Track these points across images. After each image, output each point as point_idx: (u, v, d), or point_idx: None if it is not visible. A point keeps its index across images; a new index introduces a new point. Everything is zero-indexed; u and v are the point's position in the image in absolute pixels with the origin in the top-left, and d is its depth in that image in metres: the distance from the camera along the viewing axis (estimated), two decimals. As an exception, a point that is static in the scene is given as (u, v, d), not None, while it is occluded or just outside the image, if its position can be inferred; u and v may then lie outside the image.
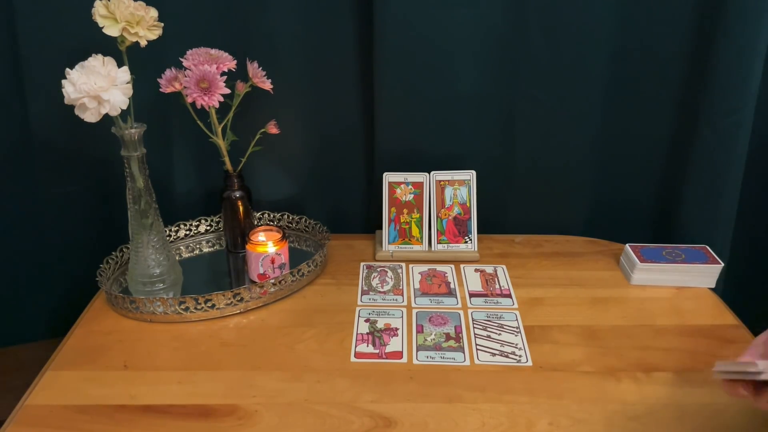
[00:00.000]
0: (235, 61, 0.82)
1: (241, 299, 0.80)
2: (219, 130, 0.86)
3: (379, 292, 0.86)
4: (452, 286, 0.87)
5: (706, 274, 0.85)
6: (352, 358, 0.72)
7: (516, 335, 0.76)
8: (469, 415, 0.63)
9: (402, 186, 0.94)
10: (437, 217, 0.93)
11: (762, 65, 0.85)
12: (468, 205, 0.93)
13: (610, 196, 1.00)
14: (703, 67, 0.86)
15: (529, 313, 0.80)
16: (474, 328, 0.77)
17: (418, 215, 0.94)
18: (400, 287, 0.87)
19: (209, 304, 0.78)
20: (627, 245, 0.90)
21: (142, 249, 0.83)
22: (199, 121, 0.85)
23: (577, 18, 0.86)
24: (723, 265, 0.85)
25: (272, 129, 0.90)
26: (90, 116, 0.70)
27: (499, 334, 0.76)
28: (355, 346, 0.74)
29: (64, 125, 0.86)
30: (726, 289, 0.94)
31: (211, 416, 0.63)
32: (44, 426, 0.62)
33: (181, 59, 0.80)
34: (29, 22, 0.84)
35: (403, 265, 0.93)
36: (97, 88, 0.69)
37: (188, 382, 0.68)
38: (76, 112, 0.71)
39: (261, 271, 0.85)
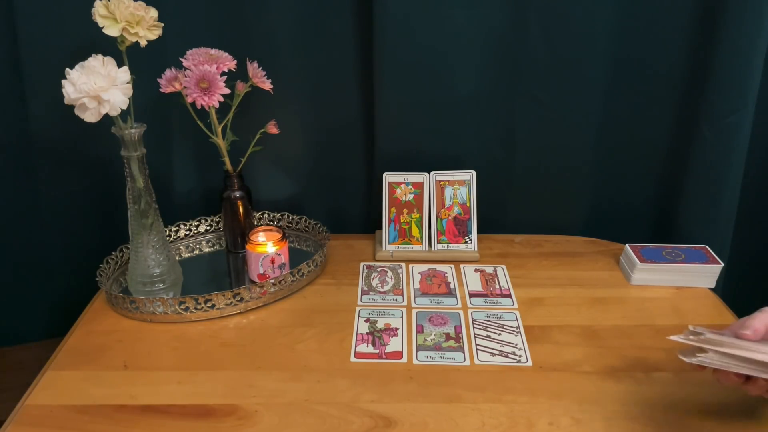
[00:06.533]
0: (235, 61, 0.83)
1: (241, 299, 0.80)
2: (219, 130, 0.86)
3: (379, 292, 0.86)
4: (452, 286, 0.87)
5: (706, 274, 0.85)
6: (352, 358, 0.72)
7: (516, 335, 0.76)
8: (469, 415, 0.63)
9: (402, 186, 0.94)
10: (437, 217, 0.94)
11: (762, 65, 0.85)
12: (468, 205, 0.93)
13: (610, 196, 1.00)
14: (703, 67, 0.86)
15: (529, 313, 0.80)
16: (474, 328, 0.77)
17: (418, 215, 0.94)
18: (400, 287, 0.87)
19: (209, 304, 0.78)
20: (627, 245, 0.90)
21: (142, 249, 0.83)
22: (199, 121, 0.85)
23: (577, 18, 0.86)
24: (723, 265, 0.85)
25: (272, 129, 0.90)
26: (90, 116, 0.70)
27: (499, 334, 0.76)
28: (355, 346, 0.74)
29: (64, 125, 0.86)
30: (726, 289, 0.94)
31: (211, 416, 0.63)
32: (44, 426, 0.62)
33: (181, 59, 0.80)
34: (29, 22, 0.84)
35: (403, 265, 0.93)
36: (97, 88, 0.69)
37: (188, 382, 0.68)
38: (76, 112, 0.71)
39: (261, 271, 0.85)
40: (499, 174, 0.98)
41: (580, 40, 0.88)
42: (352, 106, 0.95)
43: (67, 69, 0.69)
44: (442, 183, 0.93)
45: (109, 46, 0.73)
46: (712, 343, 0.56)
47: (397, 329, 0.77)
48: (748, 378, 0.55)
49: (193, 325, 0.78)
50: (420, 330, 0.77)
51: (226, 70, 0.81)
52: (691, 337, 0.58)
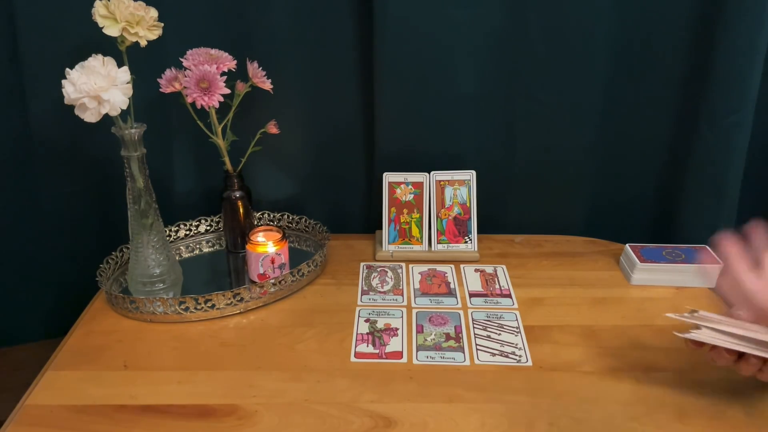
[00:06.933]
0: (235, 61, 0.82)
1: (241, 299, 0.80)
2: (219, 130, 0.86)
3: (379, 292, 0.86)
4: (452, 286, 0.87)
5: (706, 274, 0.85)
6: (352, 358, 0.72)
7: (516, 335, 0.76)
8: (469, 415, 0.63)
9: (402, 186, 0.94)
10: (437, 217, 0.94)
11: (762, 65, 0.85)
12: (468, 205, 0.93)
13: (610, 196, 1.00)
14: (703, 67, 0.86)
15: (529, 313, 0.80)
16: (474, 328, 0.77)
17: (418, 215, 0.94)
18: (400, 287, 0.87)
19: (209, 304, 0.78)
20: (627, 245, 0.90)
21: (142, 249, 0.83)
22: (199, 121, 0.85)
23: (576, 18, 0.86)
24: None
25: (272, 129, 0.90)
26: (90, 116, 0.70)
27: (499, 334, 0.76)
28: (355, 346, 0.74)
29: (64, 125, 0.86)
30: (726, 289, 0.94)
31: (211, 416, 0.63)
32: (44, 426, 0.62)
33: (181, 59, 0.80)
34: (29, 21, 0.84)
35: (403, 265, 0.93)
36: (97, 88, 0.69)
37: (188, 382, 0.68)
38: (76, 112, 0.71)
39: (261, 271, 0.85)
40: (499, 174, 0.98)
41: (580, 39, 0.88)
42: (352, 105, 0.95)
43: (67, 69, 0.69)
44: (442, 183, 0.93)
45: (109, 46, 0.73)
46: (706, 320, 0.59)
47: (397, 329, 0.77)
48: (740, 357, 0.59)
49: (193, 325, 0.78)
50: (420, 330, 0.77)
51: (226, 70, 0.81)
52: (687, 315, 0.61)
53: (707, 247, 0.89)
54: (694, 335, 0.59)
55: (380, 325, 0.78)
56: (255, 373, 0.69)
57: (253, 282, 0.85)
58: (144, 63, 0.76)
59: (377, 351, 0.73)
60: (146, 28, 0.74)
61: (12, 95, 0.88)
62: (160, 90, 0.82)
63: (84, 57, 0.70)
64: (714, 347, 0.60)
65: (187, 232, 0.99)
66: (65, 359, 0.72)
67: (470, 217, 0.94)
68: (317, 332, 0.77)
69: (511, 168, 0.98)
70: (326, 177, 1.01)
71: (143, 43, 0.74)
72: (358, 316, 0.80)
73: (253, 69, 0.84)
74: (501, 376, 0.69)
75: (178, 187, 1.00)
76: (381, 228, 0.95)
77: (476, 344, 0.74)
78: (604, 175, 0.99)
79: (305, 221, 1.00)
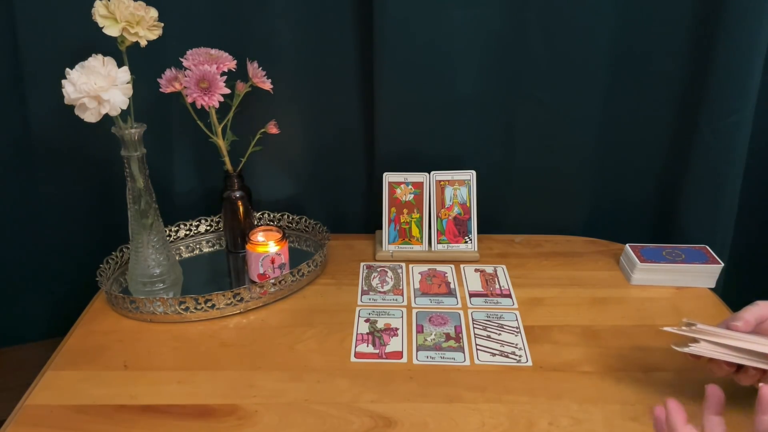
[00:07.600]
0: (235, 61, 0.83)
1: (241, 299, 0.80)
2: (219, 130, 0.86)
3: (379, 292, 0.86)
4: (452, 286, 0.87)
5: (706, 274, 0.85)
6: (352, 358, 0.72)
7: (516, 335, 0.76)
8: (469, 415, 0.63)
9: (402, 186, 0.94)
10: (437, 217, 0.93)
11: (762, 65, 0.85)
12: (468, 205, 0.93)
13: (610, 196, 1.00)
14: (703, 67, 0.86)
15: (529, 313, 0.80)
16: (474, 328, 0.77)
17: (418, 215, 0.94)
18: (400, 287, 0.87)
19: (209, 304, 0.78)
20: (627, 245, 0.90)
21: (142, 249, 0.83)
22: (199, 121, 0.85)
23: (577, 19, 0.86)
24: (723, 265, 0.85)
25: (272, 129, 0.90)
26: (90, 116, 0.70)
27: (499, 334, 0.76)
28: (355, 346, 0.74)
29: (64, 125, 0.86)
30: (726, 289, 0.94)
31: (211, 416, 0.63)
32: (44, 426, 0.62)
33: (181, 59, 0.80)
34: (29, 22, 0.84)
35: (403, 265, 0.93)
36: (97, 88, 0.69)
37: (188, 382, 0.68)
38: (76, 112, 0.71)
39: (261, 271, 0.85)
40: (499, 174, 0.98)
41: (580, 40, 0.88)
42: (352, 106, 0.95)
43: (67, 69, 0.69)
44: (442, 183, 0.93)
45: (109, 46, 0.73)
46: (703, 333, 0.59)
47: (397, 329, 0.77)
48: (739, 368, 0.59)
49: (193, 325, 0.78)
50: (420, 330, 0.77)
51: (226, 70, 0.81)
52: (684, 328, 0.61)
53: (707, 247, 0.89)
54: (693, 349, 0.59)
55: (380, 325, 0.78)
56: (255, 373, 0.69)
57: (253, 282, 0.85)
58: (144, 63, 0.76)
59: (377, 351, 0.73)
60: (146, 28, 0.74)
61: (12, 95, 0.88)
62: (160, 90, 0.82)
63: (84, 57, 0.70)
64: (712, 359, 0.60)
65: (187, 232, 0.99)
66: (65, 359, 0.73)
67: (470, 217, 0.94)
68: (317, 332, 0.77)
69: (511, 168, 0.98)
70: (326, 177, 1.01)
71: (143, 43, 0.74)
72: (358, 316, 0.80)
73: (253, 69, 0.84)
74: (501, 376, 0.69)
75: (178, 187, 1.00)
76: (381, 228, 0.95)
77: (476, 344, 0.74)
78: (604, 175, 0.98)
79: (305, 221, 1.00)
